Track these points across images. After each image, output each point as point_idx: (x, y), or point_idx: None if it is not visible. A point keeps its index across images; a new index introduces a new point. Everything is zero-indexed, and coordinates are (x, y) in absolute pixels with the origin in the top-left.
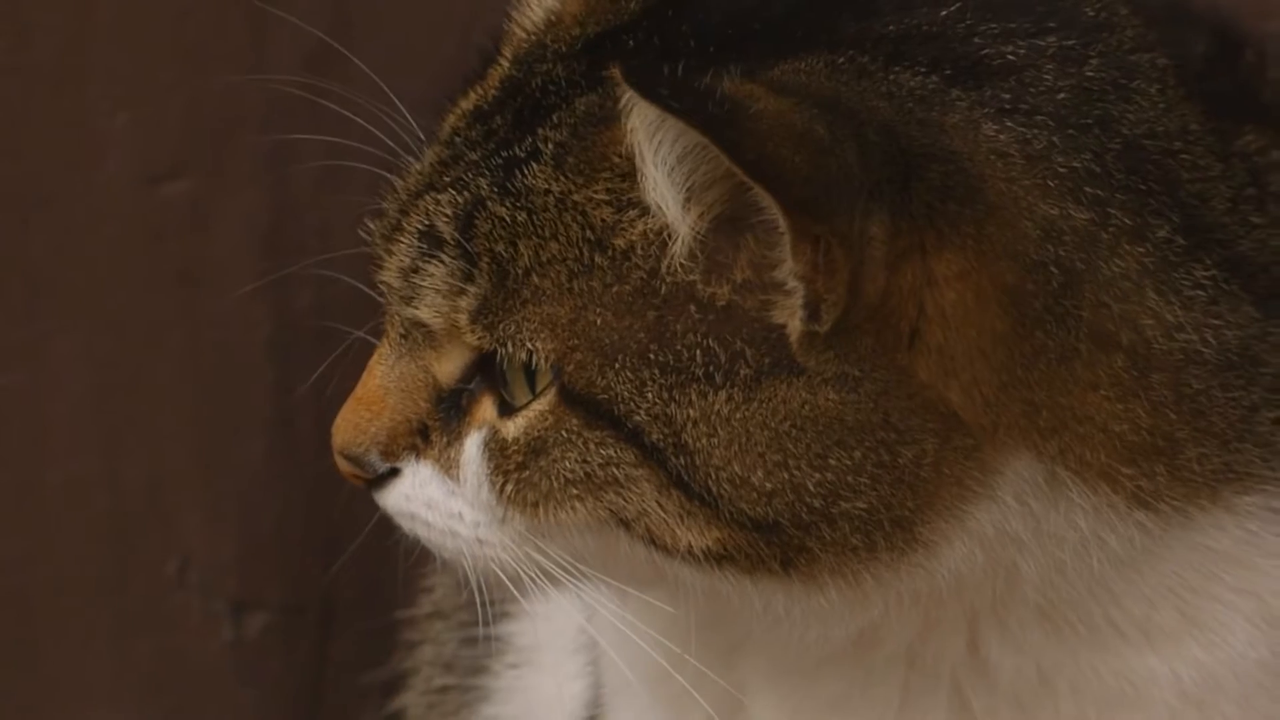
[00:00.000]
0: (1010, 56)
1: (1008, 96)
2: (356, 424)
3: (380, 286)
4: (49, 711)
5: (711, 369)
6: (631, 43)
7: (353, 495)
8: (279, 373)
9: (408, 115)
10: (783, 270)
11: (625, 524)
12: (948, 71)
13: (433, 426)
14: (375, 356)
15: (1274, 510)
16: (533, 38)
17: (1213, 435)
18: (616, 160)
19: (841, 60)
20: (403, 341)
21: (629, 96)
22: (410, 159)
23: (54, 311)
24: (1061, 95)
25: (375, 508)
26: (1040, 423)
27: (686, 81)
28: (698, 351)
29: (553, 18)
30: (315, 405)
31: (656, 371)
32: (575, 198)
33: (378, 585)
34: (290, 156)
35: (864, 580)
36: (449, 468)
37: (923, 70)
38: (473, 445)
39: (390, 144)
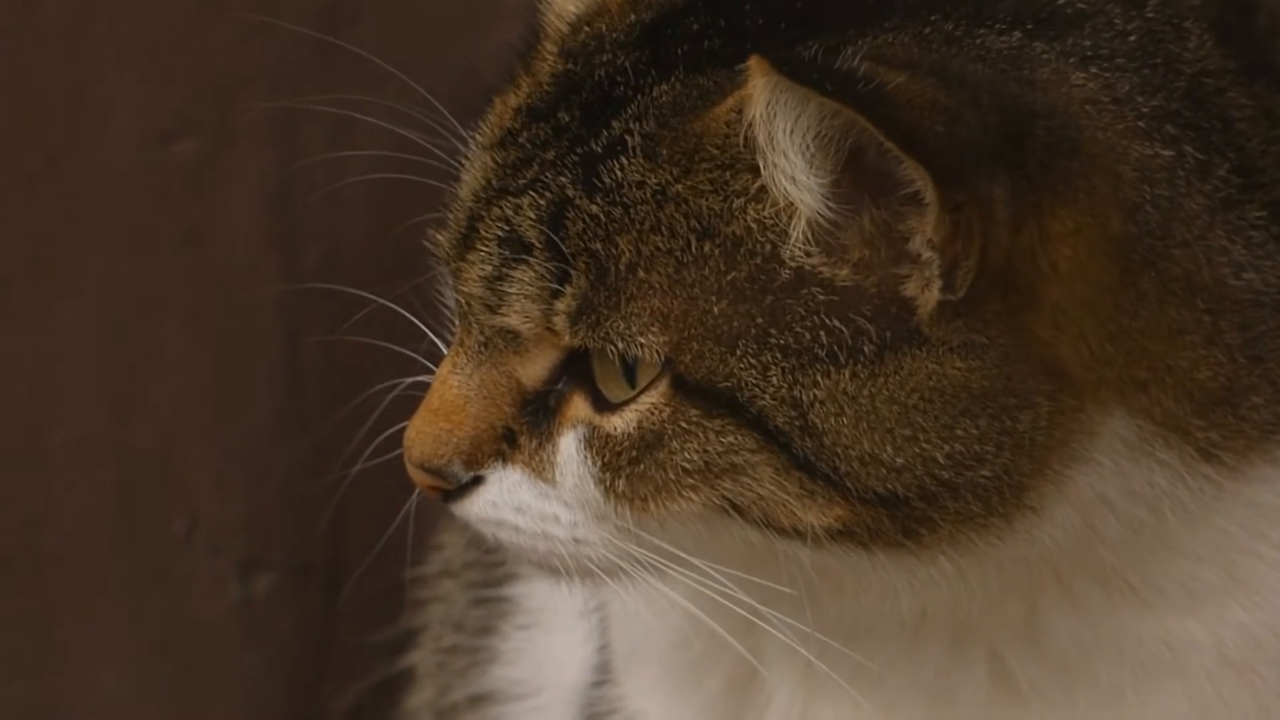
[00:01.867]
0: (1081, 4)
1: (1088, 44)
2: (436, 436)
3: (459, 298)
4: (57, 670)
5: (836, 348)
6: (695, 26)
7: (359, 455)
8: (287, 332)
9: (416, 85)
10: (916, 241)
11: (740, 510)
12: (1029, 26)
13: (519, 430)
14: (447, 365)
15: None
16: (582, 29)
17: (1269, 383)
18: (714, 151)
19: (927, 30)
20: (483, 350)
21: (767, 82)
22: (429, 141)
23: (61, 272)
24: (1132, 38)
25: (384, 467)
26: (1138, 374)
27: (829, 64)
28: (821, 333)
29: (597, 7)
30: (323, 365)
31: (779, 355)
32: (676, 189)
33: (387, 544)
34: (299, 116)
35: (975, 549)
36: (541, 470)
37: (1004, 28)
38: (569, 444)
39: (400, 105)
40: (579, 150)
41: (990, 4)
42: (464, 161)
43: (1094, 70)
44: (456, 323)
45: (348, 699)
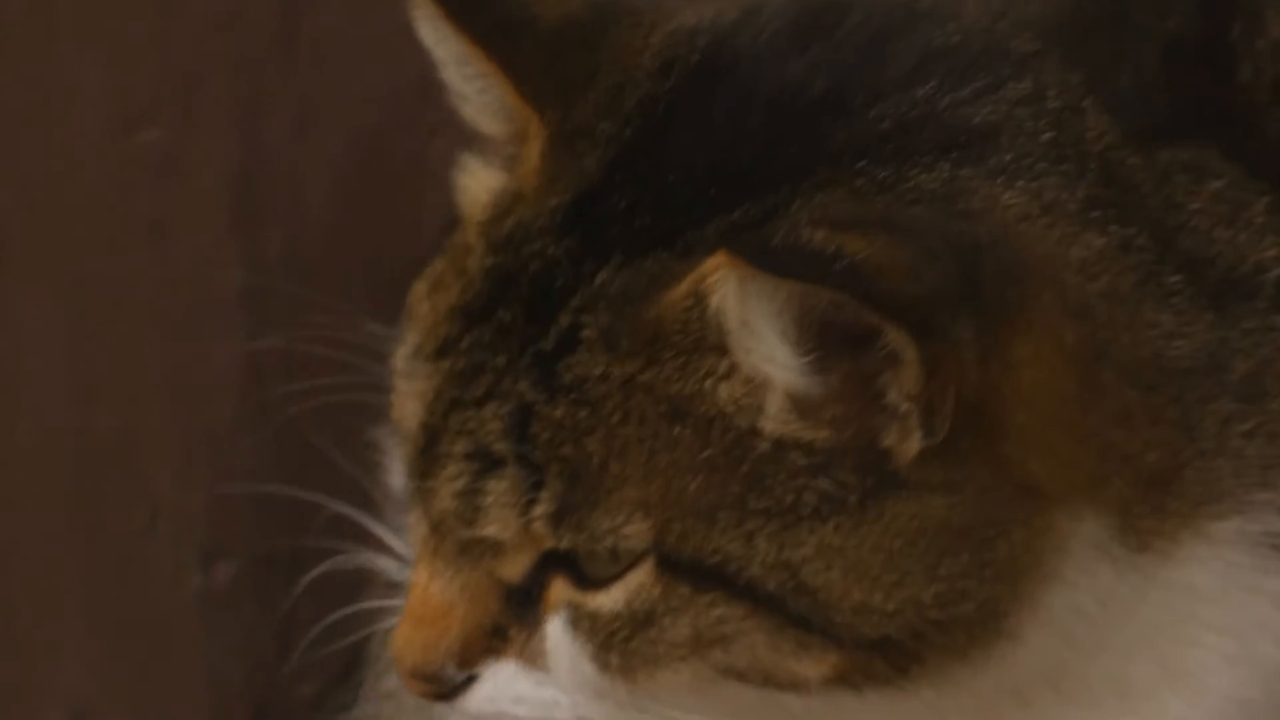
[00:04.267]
0: (991, 116)
1: (1008, 158)
2: (426, 643)
3: (432, 515)
4: (16, 659)
5: (820, 504)
6: (622, 204)
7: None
8: (251, 323)
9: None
10: (893, 395)
11: (737, 672)
12: (953, 155)
13: (507, 624)
14: (425, 571)
15: (1250, 538)
16: (505, 218)
17: (1199, 454)
18: (676, 336)
19: (860, 181)
20: (461, 555)
21: (737, 274)
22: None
23: (22, 261)
24: (1044, 136)
25: (345, 456)
26: (1103, 468)
27: (795, 248)
28: (805, 492)
29: (511, 193)
30: (287, 355)
31: (762, 520)
32: (643, 378)
33: (350, 534)
34: (263, 105)
35: (955, 679)
36: (534, 659)
37: (930, 162)
38: (557, 629)
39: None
40: (530, 350)
41: (910, 139)
42: (400, 368)
43: (1020, 184)
44: (417, 523)
45: (311, 687)
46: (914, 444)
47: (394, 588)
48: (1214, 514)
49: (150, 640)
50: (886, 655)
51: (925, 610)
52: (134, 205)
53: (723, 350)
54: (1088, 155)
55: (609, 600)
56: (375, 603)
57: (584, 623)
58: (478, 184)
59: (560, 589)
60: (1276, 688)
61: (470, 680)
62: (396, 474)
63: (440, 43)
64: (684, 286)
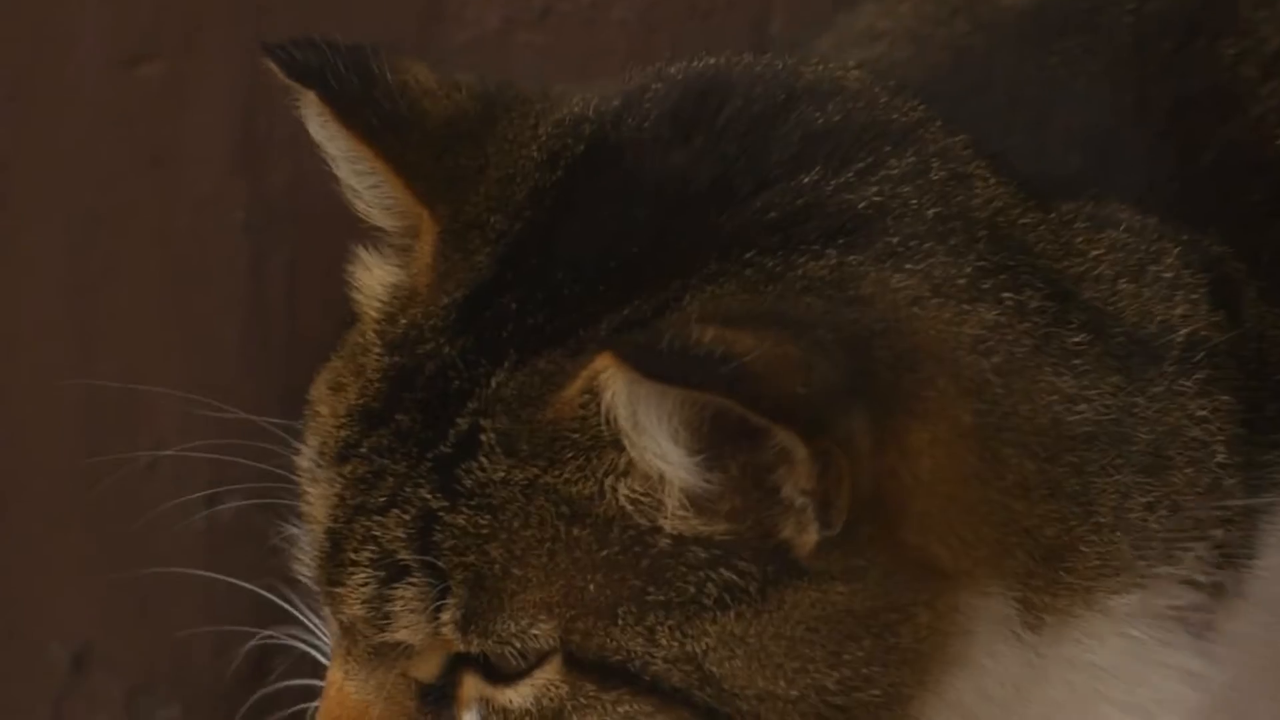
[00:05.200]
0: (876, 198)
1: (895, 240)
2: None
3: (343, 619)
4: (24, 599)
5: (722, 594)
6: (513, 304)
7: None
8: (254, 256)
9: None
10: (788, 489)
11: None
12: (840, 241)
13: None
14: (339, 672)
15: (1153, 611)
16: (399, 318)
17: (1098, 526)
18: (574, 436)
19: (749, 272)
20: (374, 657)
21: (625, 378)
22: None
23: (25, 198)
24: (930, 211)
25: None
26: (1006, 540)
27: (683, 350)
28: (707, 584)
29: (406, 290)
30: (290, 289)
31: (663, 613)
32: (544, 480)
33: None
34: (266, 38)
35: None
36: None
37: (818, 249)
38: None
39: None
40: (429, 455)
41: (797, 227)
42: (305, 469)
43: (908, 267)
44: (332, 629)
45: None
46: (811, 536)
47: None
48: (1113, 588)
49: (154, 579)
50: None
51: (829, 696)
52: (136, 140)
53: (620, 446)
54: (975, 224)
55: (519, 697)
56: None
57: (495, 717)
58: (372, 279)
59: (472, 686)
60: None
61: None
62: (306, 569)
63: (329, 140)
64: (578, 385)
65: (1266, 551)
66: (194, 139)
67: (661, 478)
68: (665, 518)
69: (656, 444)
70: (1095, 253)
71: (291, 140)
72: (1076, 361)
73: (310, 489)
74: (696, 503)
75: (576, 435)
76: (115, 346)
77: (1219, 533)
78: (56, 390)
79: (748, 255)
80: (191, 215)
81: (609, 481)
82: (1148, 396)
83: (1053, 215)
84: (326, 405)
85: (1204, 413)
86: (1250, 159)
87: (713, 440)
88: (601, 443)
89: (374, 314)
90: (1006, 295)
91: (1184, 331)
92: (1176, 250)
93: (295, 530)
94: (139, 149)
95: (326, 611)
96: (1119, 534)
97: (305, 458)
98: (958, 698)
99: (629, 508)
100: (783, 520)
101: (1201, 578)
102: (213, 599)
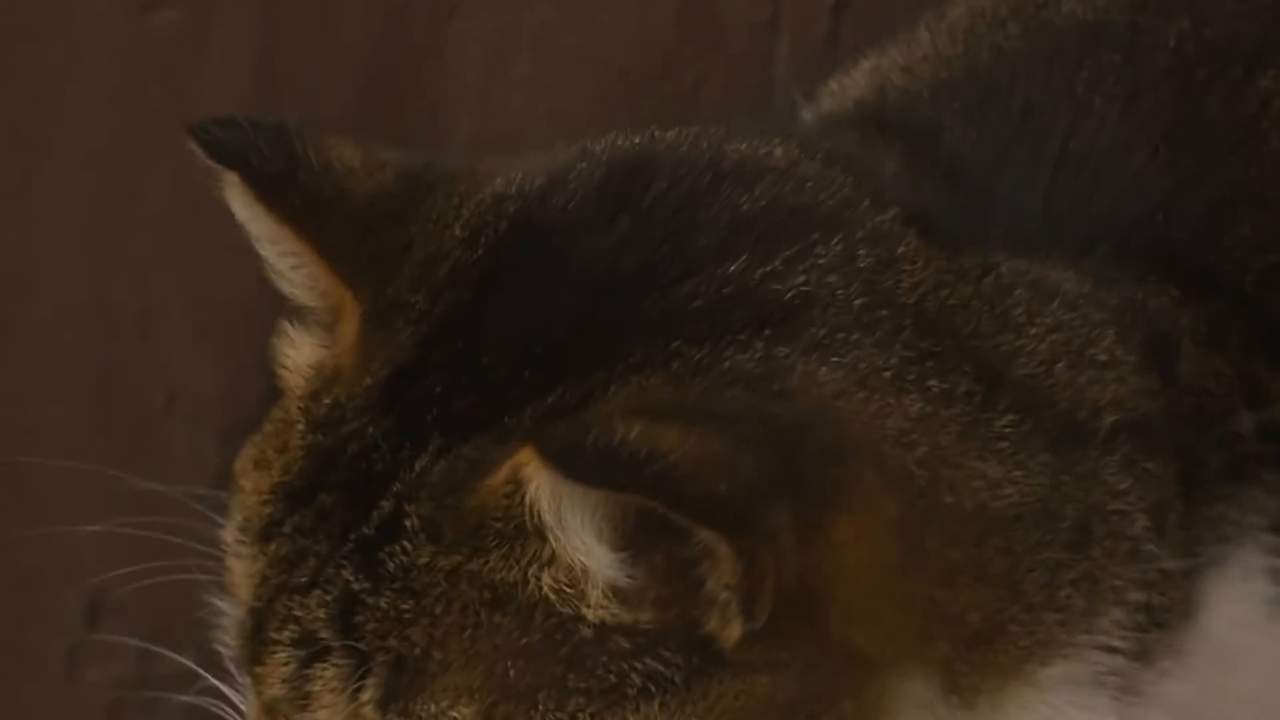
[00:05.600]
0: (804, 288)
1: (821, 333)
2: None
3: (264, 698)
4: (36, 545)
5: (645, 683)
6: (438, 388)
7: None
8: None
9: None
10: (711, 584)
11: None
12: (767, 332)
13: None
14: None
15: (1075, 677)
16: (321, 397)
17: (1025, 607)
18: (498, 524)
19: (675, 364)
20: None
21: (548, 476)
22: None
23: (40, 142)
24: (857, 301)
25: None
26: (928, 627)
27: (606, 449)
28: (630, 674)
29: (330, 369)
30: None
31: (583, 700)
32: (468, 567)
33: None
34: None
35: None
36: None
37: (745, 340)
38: None
39: None
40: (351, 537)
41: (724, 317)
42: (229, 544)
43: (834, 360)
44: (250, 701)
45: None
46: (735, 629)
47: None
48: (1040, 661)
49: (167, 519)
50: None
51: None
52: (152, 86)
53: (544, 536)
54: (901, 311)
55: None
56: None
57: None
58: (299, 355)
59: None
60: None
61: None
62: (228, 644)
63: (252, 220)
64: (502, 474)
65: (1210, 604)
66: (209, 84)
67: (584, 570)
68: (588, 607)
69: (580, 540)
70: (1034, 330)
71: (310, 87)
72: (1003, 445)
73: (233, 564)
74: (620, 594)
75: (500, 524)
76: (129, 287)
77: (1139, 596)
78: (71, 331)
79: (673, 345)
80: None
81: (532, 570)
82: (1074, 475)
83: (989, 279)
84: (250, 480)
85: (1124, 486)
86: (1253, 192)
87: (637, 535)
88: (525, 533)
89: (298, 391)
90: (932, 383)
91: (1110, 419)
92: (1113, 332)
93: (219, 604)
94: (154, 95)
95: (246, 681)
96: (1047, 613)
97: (229, 532)
98: None
99: (552, 596)
100: (707, 613)
101: (1119, 643)
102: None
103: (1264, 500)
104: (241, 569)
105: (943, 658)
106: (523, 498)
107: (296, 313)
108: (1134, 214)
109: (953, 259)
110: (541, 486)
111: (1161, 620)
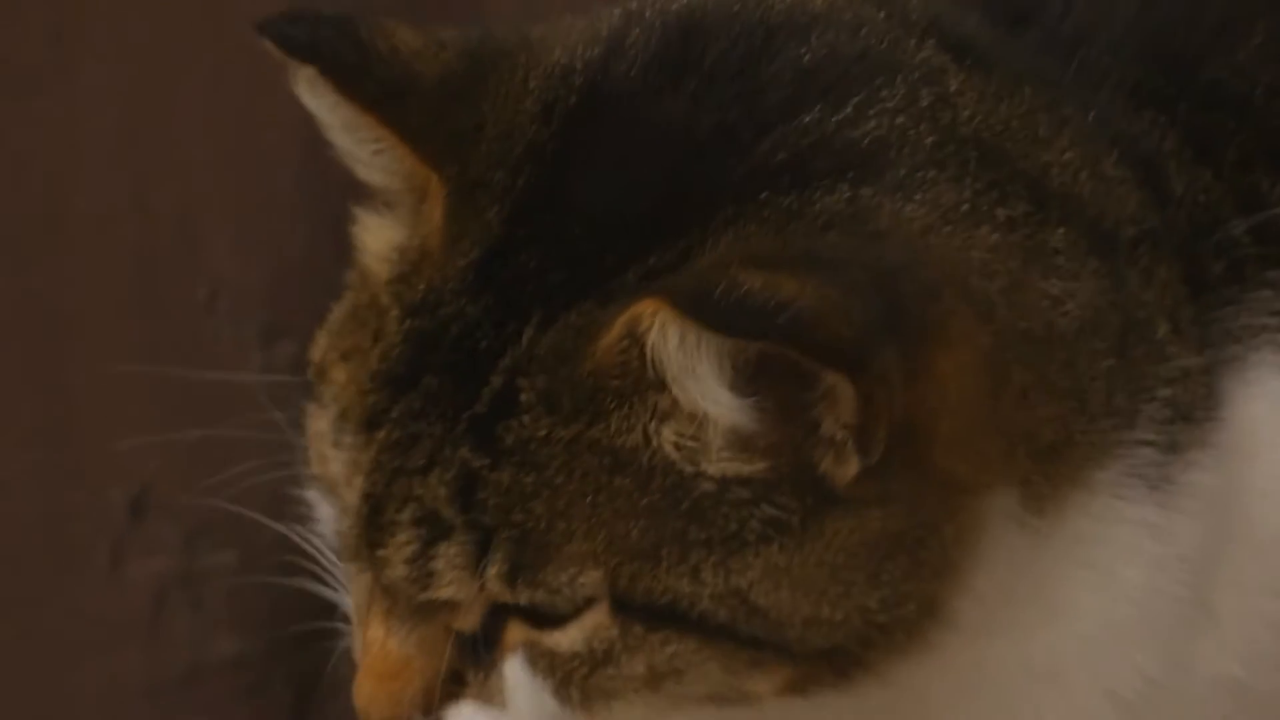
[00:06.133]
0: (876, 132)
1: (902, 172)
2: (390, 696)
3: (384, 581)
4: (77, 438)
5: (764, 528)
6: (532, 262)
7: None
8: None
9: None
10: (828, 424)
11: (692, 699)
12: (850, 174)
13: (465, 669)
14: (380, 629)
15: (1127, 479)
16: (412, 280)
17: (1090, 416)
18: (615, 383)
19: (767, 213)
20: (415, 614)
21: (677, 325)
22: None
23: (80, 37)
24: (928, 140)
25: None
26: (1011, 447)
27: (736, 298)
28: (750, 520)
29: (417, 252)
30: None
31: (705, 551)
32: (590, 435)
33: None
34: None
35: (896, 673)
36: (491, 698)
37: (828, 186)
38: (514, 669)
39: None
40: (464, 416)
41: (807, 164)
42: (322, 433)
43: (917, 197)
44: (361, 581)
45: None
46: (851, 467)
47: None
48: (1097, 465)
49: (210, 417)
50: (834, 663)
51: (872, 615)
52: None
53: (662, 388)
54: (964, 144)
55: (566, 640)
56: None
57: (542, 661)
58: (376, 240)
59: (517, 631)
60: (1157, 616)
61: None
62: (328, 526)
63: (326, 109)
64: (616, 331)
65: (1230, 401)
66: None
67: (706, 418)
68: (708, 460)
69: (707, 385)
70: (1060, 144)
71: None
72: (1060, 260)
73: (333, 454)
74: (740, 442)
75: (617, 382)
76: (171, 185)
77: (1167, 392)
78: (113, 227)
79: (762, 196)
80: (248, 57)
81: (653, 426)
82: (1113, 280)
83: (1020, 97)
84: (342, 372)
85: (1147, 295)
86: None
87: (759, 381)
88: (643, 385)
89: (385, 276)
90: (1000, 211)
91: (1130, 231)
92: (1115, 152)
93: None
94: None
95: (352, 569)
96: (1104, 420)
97: (323, 421)
98: (978, 595)
99: (672, 451)
100: (822, 454)
101: (1154, 436)
102: (268, 445)
103: (1274, 301)
104: (346, 459)
105: (1023, 474)
106: (641, 350)
107: (372, 198)
108: (1148, 24)
109: (988, 82)
110: (668, 335)
111: (1187, 413)
